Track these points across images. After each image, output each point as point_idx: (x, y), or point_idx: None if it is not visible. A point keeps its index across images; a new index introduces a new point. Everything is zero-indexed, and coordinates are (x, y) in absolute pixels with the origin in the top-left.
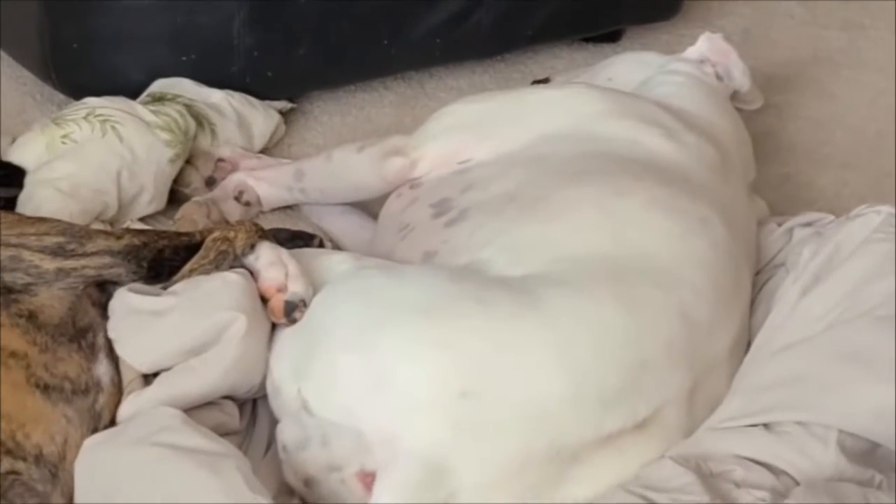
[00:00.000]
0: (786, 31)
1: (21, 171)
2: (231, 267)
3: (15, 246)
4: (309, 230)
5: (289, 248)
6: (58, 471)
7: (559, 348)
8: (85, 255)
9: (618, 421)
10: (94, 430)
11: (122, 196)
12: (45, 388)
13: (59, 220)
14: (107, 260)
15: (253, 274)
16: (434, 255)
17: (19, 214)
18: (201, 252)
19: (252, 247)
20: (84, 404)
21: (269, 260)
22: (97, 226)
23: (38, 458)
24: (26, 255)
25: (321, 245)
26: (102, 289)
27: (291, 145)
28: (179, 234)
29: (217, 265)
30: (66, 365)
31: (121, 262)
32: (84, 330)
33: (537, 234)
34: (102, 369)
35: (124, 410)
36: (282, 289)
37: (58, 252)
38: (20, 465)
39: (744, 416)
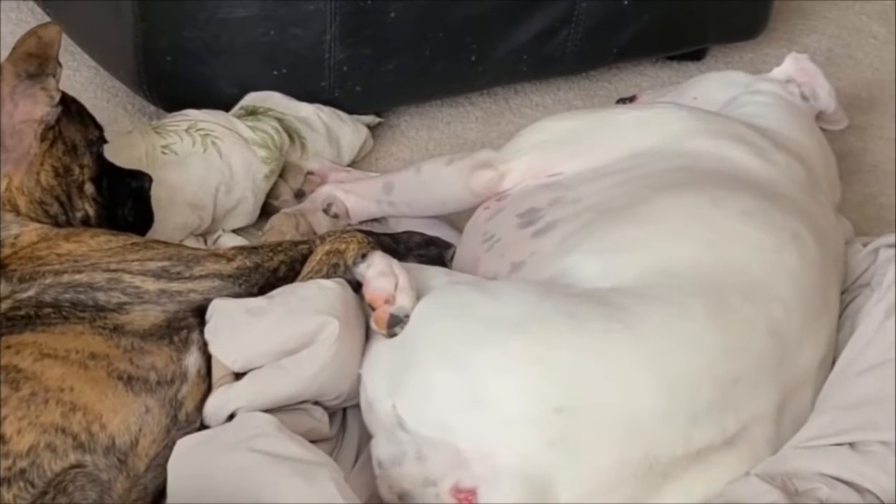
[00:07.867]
0: (869, 51)
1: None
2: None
3: (114, 270)
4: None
5: (420, 254)
6: (127, 458)
7: (652, 362)
8: (192, 278)
9: (707, 435)
10: (174, 418)
11: (216, 211)
12: (129, 380)
13: (167, 247)
14: (216, 283)
15: (362, 282)
16: (521, 266)
17: (126, 243)
18: (314, 266)
19: (363, 256)
20: (168, 394)
21: (380, 269)
22: (191, 240)
23: (109, 449)
24: (126, 277)
25: (454, 256)
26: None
27: (379, 159)
28: (296, 244)
29: (327, 277)
30: (154, 357)
31: (230, 286)
32: (178, 329)
33: (628, 241)
34: (192, 359)
35: (213, 401)
36: (389, 300)
37: (161, 275)
38: (87, 458)
39: (829, 436)
